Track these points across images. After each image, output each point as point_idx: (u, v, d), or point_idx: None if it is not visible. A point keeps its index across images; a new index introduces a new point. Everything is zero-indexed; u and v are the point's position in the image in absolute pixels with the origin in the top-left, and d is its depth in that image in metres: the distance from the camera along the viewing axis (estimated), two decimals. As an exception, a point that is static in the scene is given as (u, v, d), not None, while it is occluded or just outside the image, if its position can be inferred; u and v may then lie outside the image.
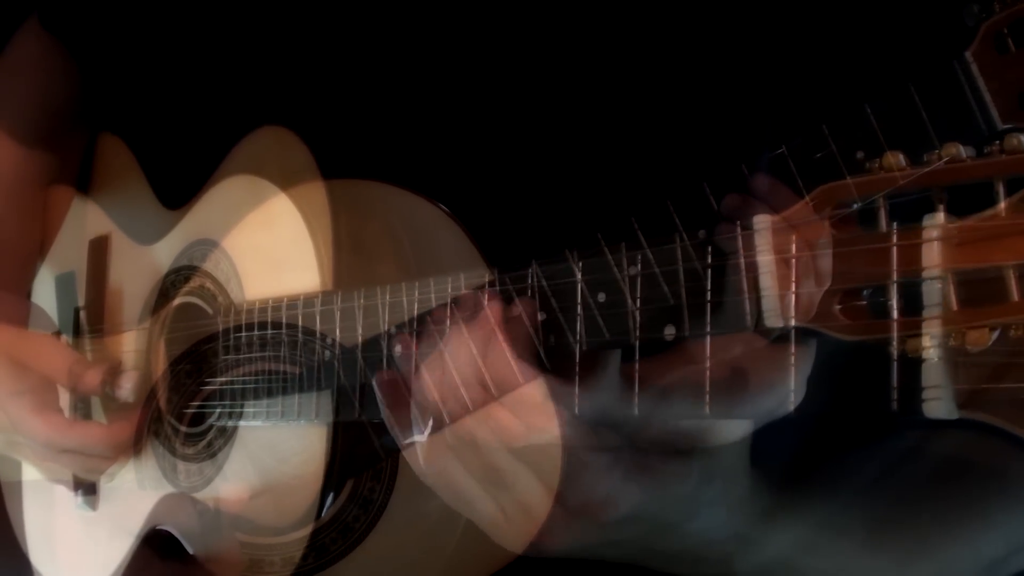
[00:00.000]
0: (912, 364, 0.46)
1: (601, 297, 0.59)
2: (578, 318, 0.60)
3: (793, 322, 0.50)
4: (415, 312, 0.68)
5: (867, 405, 0.48)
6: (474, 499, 0.63)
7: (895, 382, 0.46)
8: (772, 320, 0.51)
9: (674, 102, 0.73)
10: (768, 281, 0.51)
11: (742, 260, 0.52)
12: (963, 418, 0.45)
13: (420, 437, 0.64)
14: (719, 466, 0.60)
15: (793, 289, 0.50)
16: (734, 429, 0.60)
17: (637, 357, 0.57)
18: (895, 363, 0.46)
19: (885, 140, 0.57)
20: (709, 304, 0.54)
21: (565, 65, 0.75)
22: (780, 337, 0.51)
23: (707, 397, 0.54)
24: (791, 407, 0.51)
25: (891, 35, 0.67)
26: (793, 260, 0.50)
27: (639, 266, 0.57)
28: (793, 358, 0.51)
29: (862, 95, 0.57)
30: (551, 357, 0.61)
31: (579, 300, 0.60)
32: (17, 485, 1.04)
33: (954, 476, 0.70)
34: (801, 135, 0.60)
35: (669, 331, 0.55)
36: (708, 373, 0.54)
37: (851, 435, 0.69)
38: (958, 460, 0.69)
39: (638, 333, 0.57)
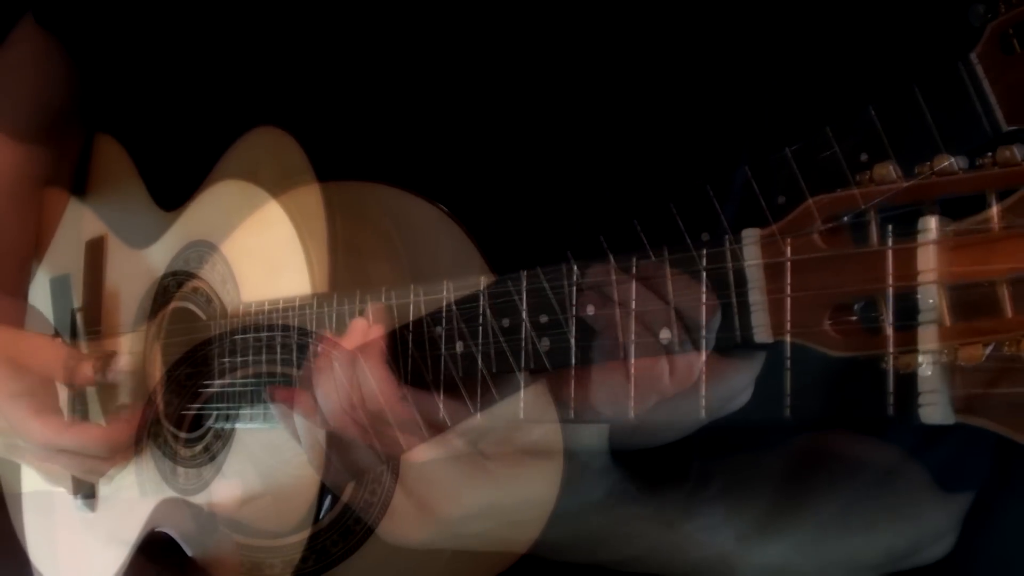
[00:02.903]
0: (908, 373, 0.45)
1: (591, 310, 0.58)
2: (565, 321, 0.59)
3: (783, 338, 0.50)
4: (409, 314, 0.68)
5: (863, 411, 0.48)
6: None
7: (891, 387, 0.46)
8: (760, 335, 0.51)
9: (676, 103, 0.73)
10: (757, 296, 0.50)
11: (731, 274, 0.51)
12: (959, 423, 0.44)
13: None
14: (572, 469, 0.63)
15: (781, 303, 0.49)
16: (588, 433, 0.62)
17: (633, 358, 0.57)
18: (890, 370, 0.46)
19: (889, 142, 0.56)
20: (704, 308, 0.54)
21: (565, 62, 0.75)
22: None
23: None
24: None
25: (895, 36, 0.67)
26: (783, 274, 0.49)
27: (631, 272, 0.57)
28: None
29: (866, 97, 0.57)
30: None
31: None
32: (18, 487, 1.04)
33: (848, 481, 0.71)
34: (805, 137, 0.59)
35: (664, 335, 0.55)
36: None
37: (756, 435, 0.69)
38: (856, 467, 0.71)
39: (632, 336, 0.56)
